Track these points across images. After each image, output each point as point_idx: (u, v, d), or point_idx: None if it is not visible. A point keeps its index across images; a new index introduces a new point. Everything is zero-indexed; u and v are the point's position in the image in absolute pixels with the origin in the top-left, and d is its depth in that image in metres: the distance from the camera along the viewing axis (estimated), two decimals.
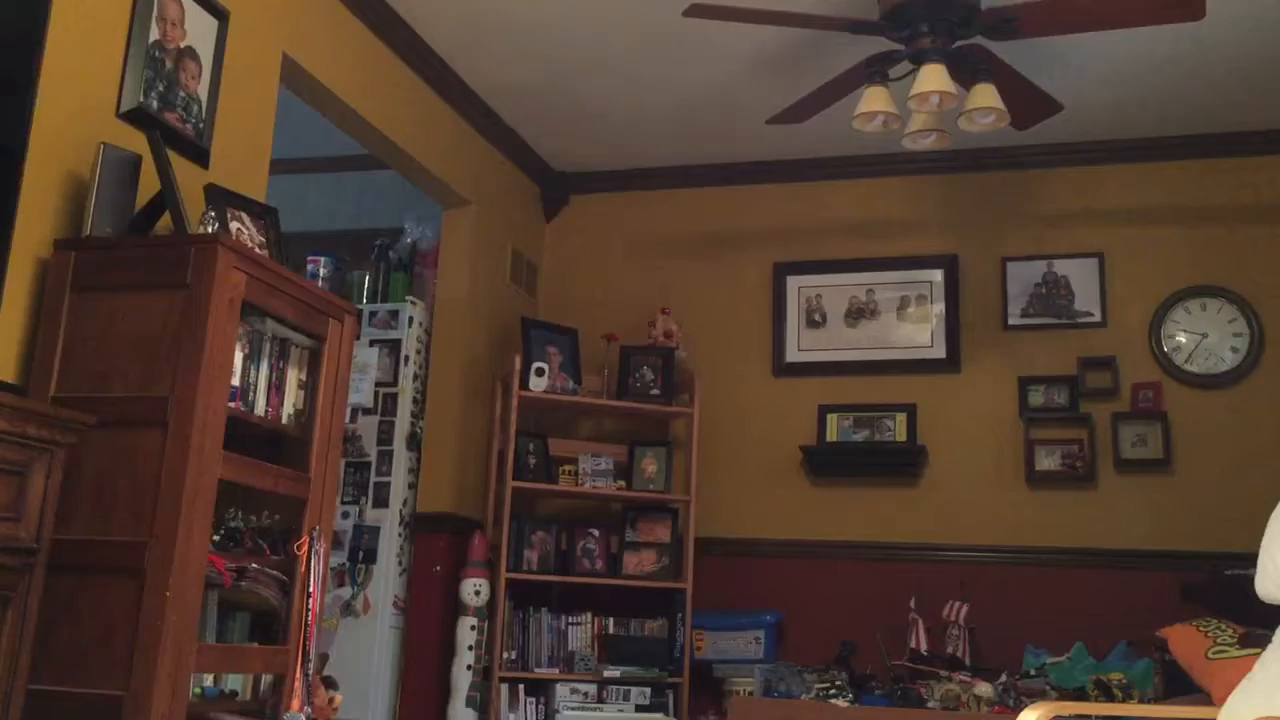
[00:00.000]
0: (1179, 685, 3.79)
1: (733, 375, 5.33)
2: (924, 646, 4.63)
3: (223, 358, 2.67)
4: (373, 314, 5.00)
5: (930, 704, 4.27)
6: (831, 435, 5.16)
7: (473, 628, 4.66)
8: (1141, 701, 3.94)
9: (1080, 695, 4.05)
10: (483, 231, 5.14)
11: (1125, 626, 4.35)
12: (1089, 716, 3.26)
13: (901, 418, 5.10)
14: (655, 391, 5.12)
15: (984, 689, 4.27)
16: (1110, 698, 3.97)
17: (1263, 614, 2.95)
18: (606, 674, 4.80)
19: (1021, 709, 2.73)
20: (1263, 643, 2.90)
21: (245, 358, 2.84)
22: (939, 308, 5.19)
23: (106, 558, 2.54)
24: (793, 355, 5.32)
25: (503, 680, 4.74)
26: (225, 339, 2.68)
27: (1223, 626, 3.70)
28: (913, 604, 4.69)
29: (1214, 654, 3.60)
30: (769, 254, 5.44)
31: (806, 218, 5.44)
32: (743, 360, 5.36)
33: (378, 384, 4.92)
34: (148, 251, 2.78)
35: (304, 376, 3.04)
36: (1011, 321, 5.08)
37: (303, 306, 2.97)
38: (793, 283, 5.39)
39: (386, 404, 4.91)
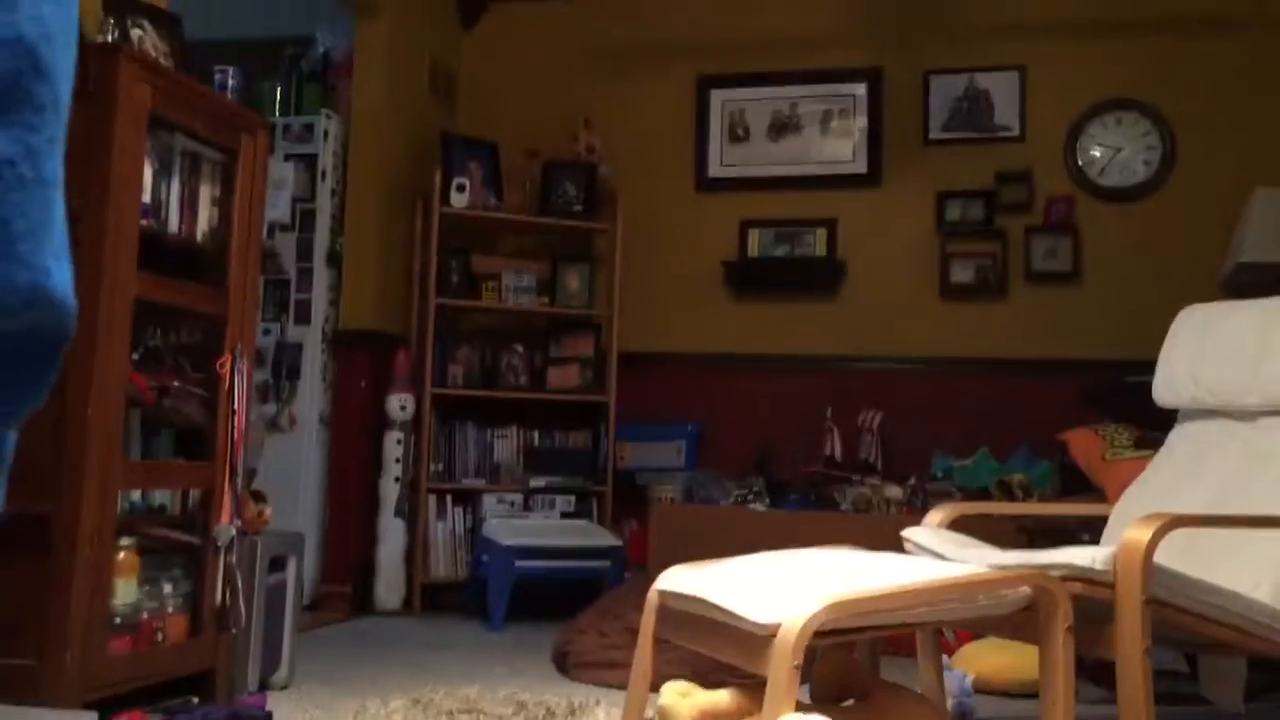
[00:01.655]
0: (1077, 485, 4.01)
1: (655, 190, 5.30)
2: (838, 454, 4.81)
3: (131, 173, 2.60)
4: (286, 128, 4.86)
5: (843, 507, 4.48)
6: (753, 250, 5.20)
7: (399, 442, 4.73)
8: (1040, 500, 4.17)
9: (984, 495, 4.27)
10: (398, 40, 4.97)
11: (1028, 431, 4.55)
12: (991, 515, 3.45)
13: (822, 233, 5.14)
14: (578, 207, 5.09)
15: (893, 492, 4.48)
16: (1011, 497, 4.19)
17: (1158, 418, 3.11)
18: (533, 484, 4.93)
19: (928, 510, 2.88)
20: (1156, 445, 3.07)
21: (155, 174, 2.76)
22: (861, 122, 5.17)
23: None
24: (715, 170, 5.30)
25: (430, 491, 4.84)
26: (133, 153, 2.60)
27: (1120, 430, 3.89)
28: (829, 414, 4.84)
29: (1110, 456, 3.80)
30: (693, 67, 5.35)
31: (731, 29, 5.34)
32: (665, 175, 5.33)
33: (295, 199, 4.83)
34: None
35: (218, 193, 2.97)
36: (932, 136, 5.10)
37: (213, 120, 2.88)
38: (716, 96, 5.32)
39: (305, 220, 4.83)
